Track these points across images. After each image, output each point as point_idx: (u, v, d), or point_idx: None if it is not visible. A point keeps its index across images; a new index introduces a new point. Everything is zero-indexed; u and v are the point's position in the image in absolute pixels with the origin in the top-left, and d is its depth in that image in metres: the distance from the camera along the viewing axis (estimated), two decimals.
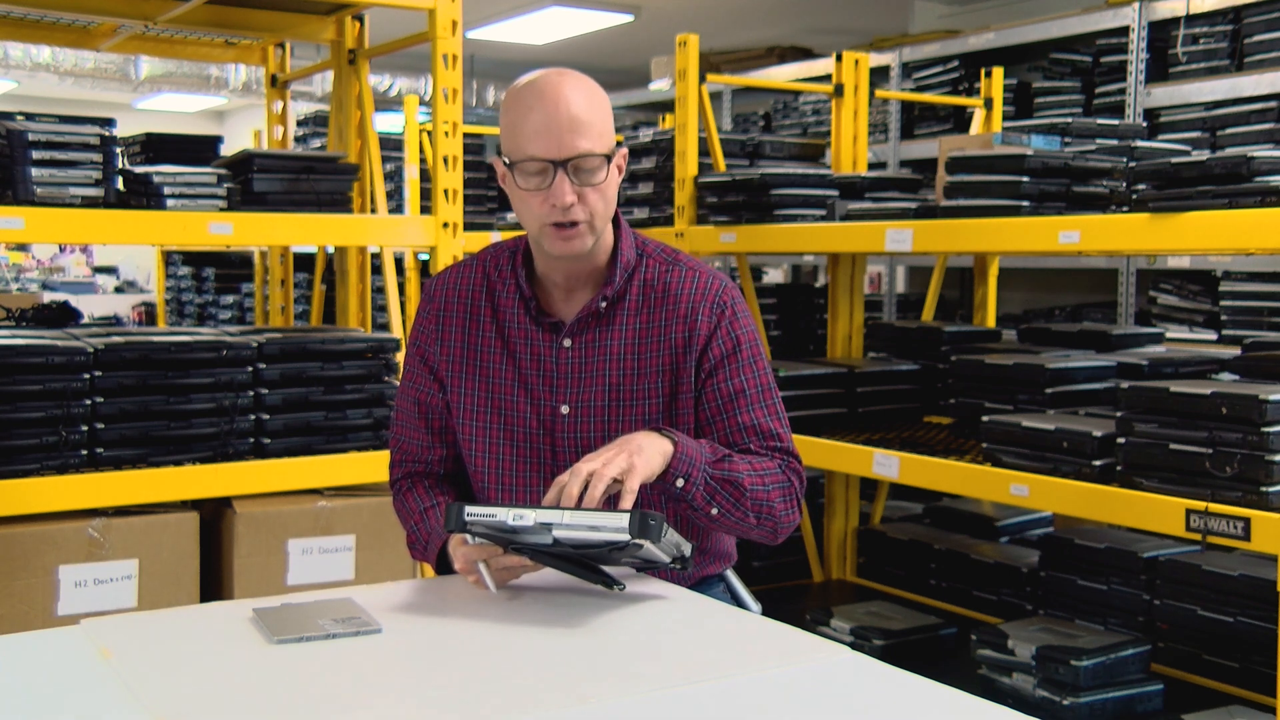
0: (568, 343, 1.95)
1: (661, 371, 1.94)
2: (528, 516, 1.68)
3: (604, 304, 1.95)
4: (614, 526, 1.64)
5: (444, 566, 1.92)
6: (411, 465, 2.07)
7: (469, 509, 1.71)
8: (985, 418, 3.07)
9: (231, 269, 6.71)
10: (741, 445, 1.94)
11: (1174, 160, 2.72)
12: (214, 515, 3.18)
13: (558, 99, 1.82)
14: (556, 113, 1.81)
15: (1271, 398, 2.48)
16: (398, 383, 3.36)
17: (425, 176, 5.10)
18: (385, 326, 4.05)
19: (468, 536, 1.77)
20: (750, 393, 1.96)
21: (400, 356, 3.41)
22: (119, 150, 3.18)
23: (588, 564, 1.77)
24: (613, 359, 1.95)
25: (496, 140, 7.34)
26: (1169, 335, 4.49)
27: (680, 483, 1.81)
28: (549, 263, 1.94)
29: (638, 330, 1.95)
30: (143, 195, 3.11)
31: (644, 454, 1.75)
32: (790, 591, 4.03)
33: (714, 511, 1.85)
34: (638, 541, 1.65)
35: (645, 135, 4.52)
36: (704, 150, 4.14)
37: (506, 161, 1.87)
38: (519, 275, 1.97)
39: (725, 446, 1.92)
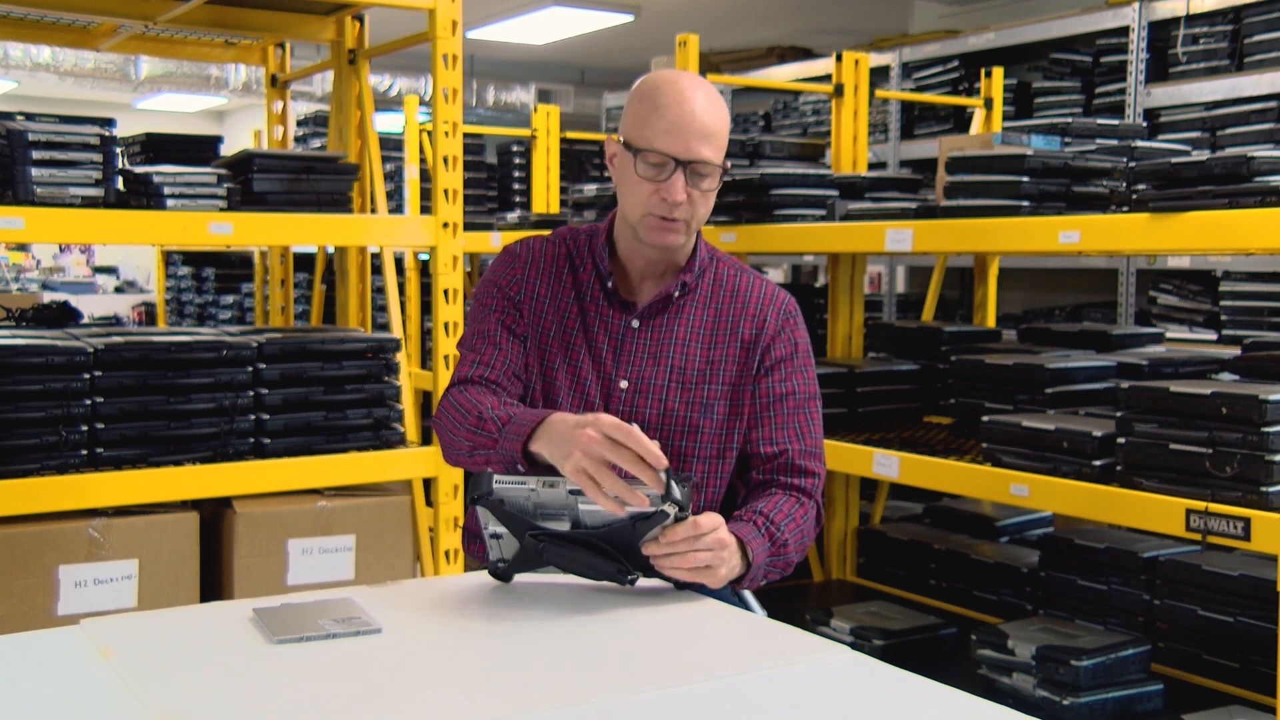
0: (636, 323, 2.06)
1: (726, 361, 2.06)
2: (559, 484, 1.74)
3: (678, 292, 2.06)
4: (643, 492, 1.70)
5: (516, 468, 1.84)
6: (485, 369, 2.02)
7: (498, 476, 1.75)
8: (985, 418, 3.07)
9: (231, 269, 6.71)
10: (779, 445, 2.06)
11: (1174, 160, 2.72)
12: (214, 515, 3.18)
13: (695, 105, 1.94)
14: (692, 117, 1.94)
15: (1271, 398, 2.48)
16: (398, 383, 3.38)
17: (425, 176, 5.10)
18: (385, 326, 4.05)
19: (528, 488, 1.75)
20: (800, 396, 2.09)
21: (400, 356, 3.41)
22: (119, 150, 3.18)
23: (604, 551, 1.77)
24: (678, 344, 2.06)
25: (496, 140, 7.35)
26: (1169, 335, 4.49)
27: (746, 583, 1.94)
28: (634, 249, 2.07)
29: (705, 322, 2.08)
30: (143, 195, 3.11)
31: (730, 564, 1.83)
32: (790, 591, 4.03)
33: (762, 583, 1.98)
34: (664, 510, 1.70)
35: None
36: None
37: (630, 147, 1.97)
38: (599, 255, 2.08)
39: (766, 444, 2.05)
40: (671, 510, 1.72)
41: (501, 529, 1.78)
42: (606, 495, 1.69)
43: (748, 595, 2.16)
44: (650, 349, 2.06)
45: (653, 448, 1.68)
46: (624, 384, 2.04)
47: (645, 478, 1.68)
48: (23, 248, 11.65)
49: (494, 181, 6.52)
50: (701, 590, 1.91)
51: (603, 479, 1.68)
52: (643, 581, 1.84)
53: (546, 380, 2.06)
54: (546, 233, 2.18)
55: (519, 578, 1.87)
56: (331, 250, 4.31)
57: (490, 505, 1.75)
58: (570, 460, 1.71)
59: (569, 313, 2.08)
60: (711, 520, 1.79)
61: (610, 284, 2.06)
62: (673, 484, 1.70)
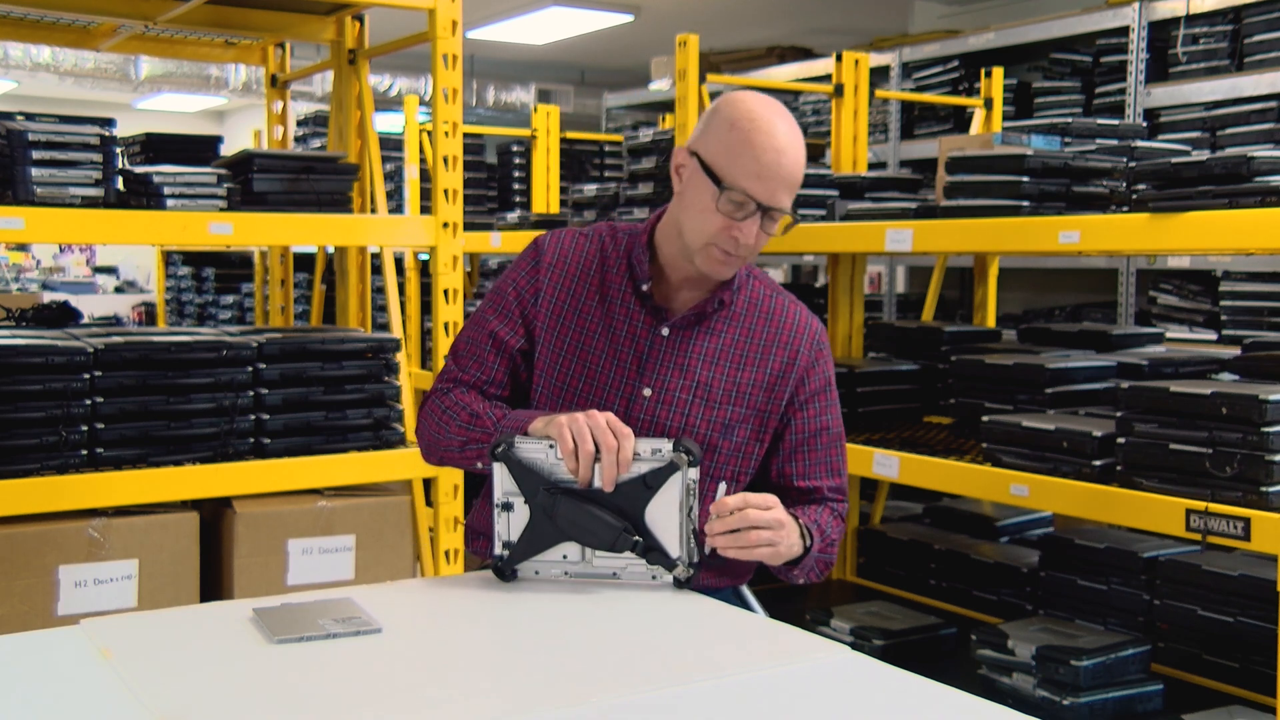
0: (666, 331, 2.03)
1: (753, 385, 2.03)
2: None
3: (714, 307, 2.03)
4: (653, 447, 1.79)
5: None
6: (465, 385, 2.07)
7: (519, 435, 1.83)
8: (985, 418, 3.07)
9: (231, 269, 6.71)
10: (814, 481, 2.07)
11: (1174, 160, 2.72)
12: (214, 515, 3.18)
13: (787, 151, 1.90)
14: (782, 166, 1.90)
15: (1271, 398, 2.48)
16: (398, 383, 3.37)
17: (425, 176, 5.10)
18: (385, 326, 4.05)
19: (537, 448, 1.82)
20: (832, 431, 2.09)
21: (400, 356, 3.41)
22: (119, 150, 3.18)
23: (612, 512, 1.79)
24: (706, 358, 2.03)
25: (496, 140, 7.34)
26: (1169, 335, 4.48)
27: (795, 571, 1.96)
28: (676, 259, 2.02)
29: (736, 340, 2.05)
30: (143, 195, 3.11)
31: (789, 544, 1.87)
32: (790, 591, 4.02)
33: (800, 581, 1.99)
34: (674, 461, 1.77)
35: (645, 135, 4.52)
36: None
37: (713, 175, 1.91)
38: (638, 257, 2.03)
39: (800, 479, 2.06)
40: (683, 461, 1.77)
41: (513, 495, 1.82)
42: (573, 455, 1.77)
43: (748, 595, 2.16)
44: (677, 360, 2.02)
45: (626, 452, 1.77)
46: (647, 391, 2.01)
47: (606, 460, 1.77)
48: (23, 248, 11.65)
49: (494, 181, 6.52)
50: (702, 590, 1.91)
51: (582, 439, 1.76)
52: (642, 581, 1.84)
53: (560, 384, 2.02)
54: (584, 222, 2.16)
55: (519, 577, 1.87)
56: (331, 250, 4.31)
57: (508, 460, 1.81)
58: (557, 420, 1.80)
59: (590, 316, 2.04)
60: (766, 499, 1.83)
61: (646, 288, 2.02)
62: (684, 439, 1.80)
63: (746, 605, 2.12)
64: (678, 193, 1.99)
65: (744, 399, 2.03)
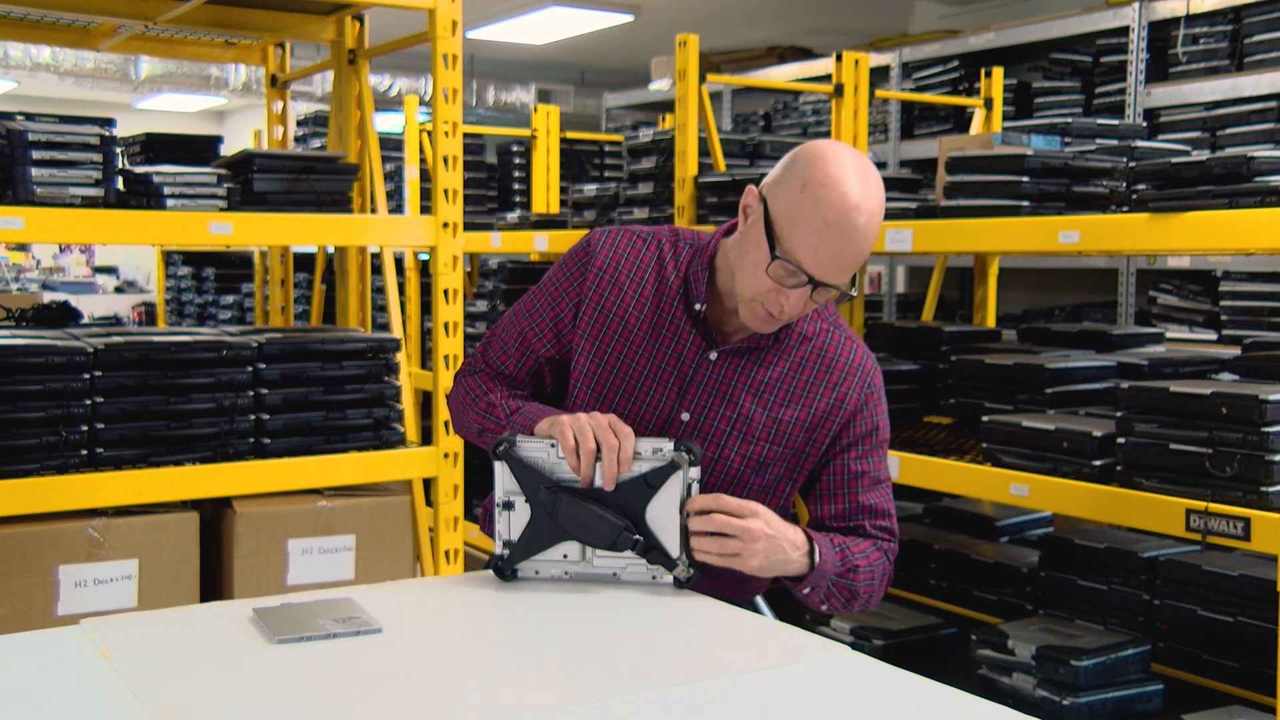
0: (714, 356, 1.96)
1: (795, 424, 1.96)
2: None
3: (771, 341, 1.95)
4: (654, 446, 1.80)
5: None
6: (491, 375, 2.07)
7: (521, 435, 1.85)
8: (985, 418, 3.07)
9: (231, 269, 6.71)
10: (855, 522, 1.98)
11: (1174, 160, 2.72)
12: (214, 515, 3.18)
13: (856, 231, 1.77)
14: (846, 251, 1.78)
15: (1271, 398, 2.48)
16: (398, 383, 3.37)
17: (425, 176, 5.10)
18: (385, 326, 4.05)
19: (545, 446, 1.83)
20: (874, 474, 2.00)
21: (400, 356, 3.41)
22: (119, 150, 3.18)
23: (613, 511, 1.80)
24: (751, 390, 1.96)
25: (496, 140, 7.32)
26: (1169, 335, 4.49)
27: (806, 590, 1.90)
28: (732, 288, 1.93)
29: (784, 374, 1.96)
30: (143, 195, 3.11)
31: (770, 557, 1.82)
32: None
33: (824, 607, 1.95)
34: (675, 460, 1.78)
35: (645, 135, 4.52)
36: (704, 150, 4.14)
37: (771, 237, 1.81)
38: (696, 276, 1.96)
39: (836, 521, 1.99)
40: (684, 460, 1.78)
41: (515, 494, 1.83)
42: (574, 453, 1.78)
43: (760, 602, 2.15)
44: (721, 388, 1.95)
45: (627, 450, 1.78)
46: (685, 416, 1.95)
47: (607, 458, 1.77)
48: (23, 248, 11.66)
49: (494, 181, 6.52)
50: (715, 593, 1.90)
51: (583, 437, 1.77)
52: (642, 582, 1.84)
53: (597, 395, 1.98)
54: (642, 223, 2.12)
55: (519, 577, 1.87)
56: (331, 250, 4.31)
57: (510, 459, 1.82)
58: (559, 419, 1.80)
59: (637, 328, 1.96)
60: (745, 507, 1.80)
61: (699, 308, 1.95)
62: (685, 439, 1.82)
63: (756, 609, 2.11)
64: (740, 232, 1.89)
65: (783, 438, 1.95)
